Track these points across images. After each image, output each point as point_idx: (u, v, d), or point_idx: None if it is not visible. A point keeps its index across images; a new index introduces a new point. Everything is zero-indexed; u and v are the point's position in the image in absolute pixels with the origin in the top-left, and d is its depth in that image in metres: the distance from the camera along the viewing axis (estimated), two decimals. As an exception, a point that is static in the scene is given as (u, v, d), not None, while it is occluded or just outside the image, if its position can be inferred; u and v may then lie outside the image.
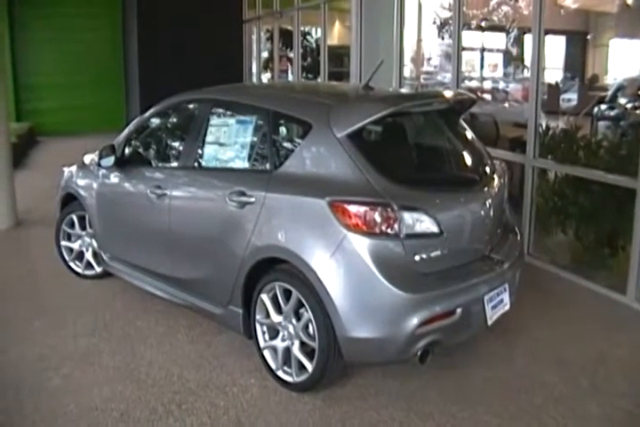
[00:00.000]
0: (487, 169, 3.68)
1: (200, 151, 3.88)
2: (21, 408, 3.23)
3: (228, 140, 3.77)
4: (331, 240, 3.04)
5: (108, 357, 3.76)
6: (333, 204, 3.04)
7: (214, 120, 3.89)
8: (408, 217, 3.03)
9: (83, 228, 4.85)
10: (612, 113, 8.97)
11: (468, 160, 3.73)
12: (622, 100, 9.21)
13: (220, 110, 3.95)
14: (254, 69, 12.35)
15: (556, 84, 12.39)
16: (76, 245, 4.92)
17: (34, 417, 3.16)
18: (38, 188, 7.83)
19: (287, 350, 3.35)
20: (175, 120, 4.35)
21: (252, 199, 3.38)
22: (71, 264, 4.97)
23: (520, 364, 3.68)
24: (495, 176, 3.68)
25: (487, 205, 3.48)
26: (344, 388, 3.40)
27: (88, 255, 4.88)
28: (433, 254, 3.15)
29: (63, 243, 4.97)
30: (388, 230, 3.00)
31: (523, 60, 14.57)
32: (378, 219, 2.99)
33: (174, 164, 4.08)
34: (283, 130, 3.61)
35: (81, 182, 4.74)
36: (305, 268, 3.11)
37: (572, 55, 13.37)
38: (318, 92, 4.22)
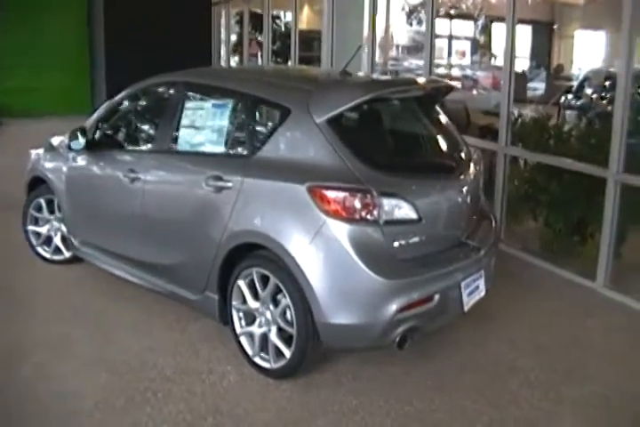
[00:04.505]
0: (463, 156, 3.70)
1: (175, 135, 3.80)
2: (-9, 399, 3.16)
3: (205, 125, 3.70)
4: (310, 226, 3.02)
5: (81, 344, 3.68)
6: (313, 189, 3.02)
7: (190, 104, 3.81)
8: (387, 203, 3.03)
9: (51, 212, 4.73)
10: (579, 103, 9.16)
11: (445, 147, 3.74)
12: (588, 91, 9.41)
13: (197, 94, 3.87)
14: (223, 53, 12.17)
15: (523, 72, 12.54)
16: (43, 230, 4.80)
17: (5, 408, 3.08)
18: (2, 172, 7.59)
19: (264, 337, 3.33)
20: (149, 103, 4.26)
21: (230, 184, 3.33)
22: (39, 249, 4.85)
23: (495, 350, 3.73)
24: (471, 163, 3.70)
25: (464, 191, 3.50)
26: (322, 374, 3.40)
27: (56, 240, 4.77)
28: (411, 241, 3.16)
29: (30, 227, 4.84)
30: (368, 217, 2.99)
31: (490, 48, 14.71)
32: (357, 205, 2.98)
33: (148, 147, 4.00)
34: (261, 115, 3.58)
35: (49, 165, 4.62)
36: (283, 253, 3.08)
37: (538, 45, 13.55)
38: (296, 77, 4.17)
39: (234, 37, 12.01)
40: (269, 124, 3.50)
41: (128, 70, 9.29)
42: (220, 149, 3.61)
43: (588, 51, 12.66)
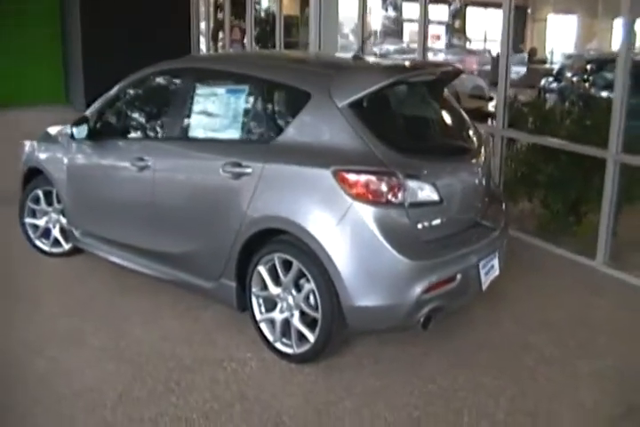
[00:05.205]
0: (474, 138, 3.73)
1: (188, 122, 3.75)
2: (12, 395, 3.08)
3: (220, 111, 3.66)
4: (336, 210, 3.02)
5: (93, 336, 3.62)
6: (339, 173, 3.01)
7: (203, 90, 3.76)
8: (412, 186, 3.05)
9: (49, 204, 4.63)
10: (559, 85, 9.33)
11: (459, 129, 3.76)
12: (568, 74, 9.58)
13: (210, 80, 3.82)
14: (203, 40, 11.95)
15: (497, 56, 12.66)
16: (41, 222, 4.69)
17: (26, 403, 3.02)
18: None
19: (286, 322, 3.32)
20: (156, 90, 4.15)
21: (249, 170, 3.30)
22: (37, 242, 4.74)
23: (508, 328, 3.80)
24: (482, 145, 3.73)
25: (478, 172, 3.55)
26: (343, 357, 3.41)
27: (55, 232, 4.66)
28: (434, 222, 3.19)
29: (27, 220, 4.73)
30: (393, 199, 3.01)
31: (465, 32, 14.78)
32: (384, 188, 2.99)
33: (158, 135, 3.93)
34: (279, 100, 3.54)
35: (47, 156, 4.51)
36: (308, 238, 3.08)
37: (514, 29, 13.67)
38: (312, 62, 4.13)
39: (214, 24, 11.79)
40: (288, 109, 3.47)
41: (105, 62, 9.14)
42: (237, 135, 3.58)
43: (559, 34, 12.84)
